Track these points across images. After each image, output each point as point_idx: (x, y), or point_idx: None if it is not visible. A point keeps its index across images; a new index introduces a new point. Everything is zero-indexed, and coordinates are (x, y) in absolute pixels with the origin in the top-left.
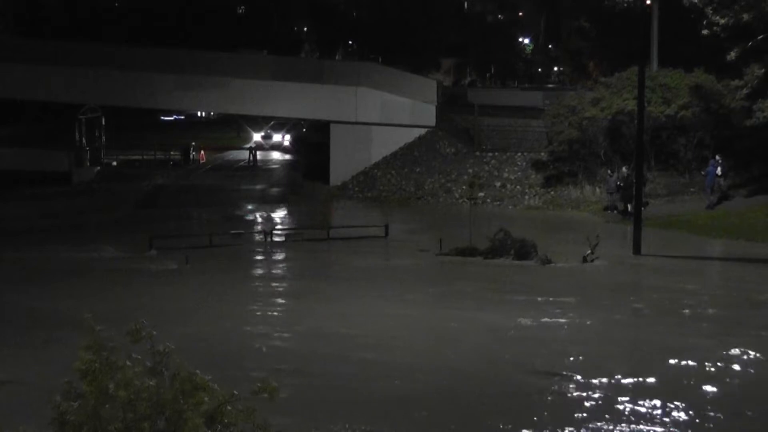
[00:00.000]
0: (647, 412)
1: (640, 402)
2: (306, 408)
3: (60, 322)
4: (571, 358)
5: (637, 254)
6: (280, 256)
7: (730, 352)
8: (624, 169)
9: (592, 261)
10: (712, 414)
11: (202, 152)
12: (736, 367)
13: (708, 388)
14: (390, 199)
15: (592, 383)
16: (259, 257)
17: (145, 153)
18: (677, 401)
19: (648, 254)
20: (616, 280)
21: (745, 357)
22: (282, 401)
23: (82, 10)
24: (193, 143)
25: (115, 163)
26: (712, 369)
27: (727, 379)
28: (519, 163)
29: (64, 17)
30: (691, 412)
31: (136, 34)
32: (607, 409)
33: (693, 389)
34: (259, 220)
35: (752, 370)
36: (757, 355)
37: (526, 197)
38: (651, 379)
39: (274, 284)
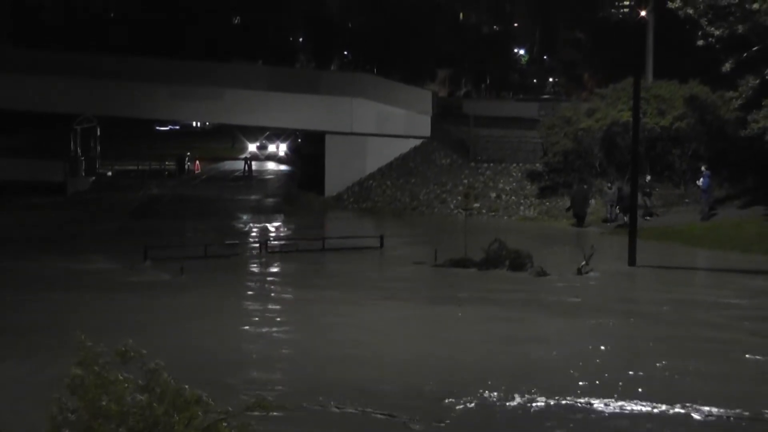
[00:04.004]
0: None
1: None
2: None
3: (48, 333)
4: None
5: (632, 266)
6: (274, 267)
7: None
8: (648, 177)
9: (587, 273)
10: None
11: (197, 162)
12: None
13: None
14: (385, 210)
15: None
16: (254, 268)
17: (140, 163)
18: None
19: (643, 265)
20: (606, 290)
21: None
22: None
23: (79, 20)
24: (188, 153)
25: (110, 174)
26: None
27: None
28: (514, 174)
29: (60, 28)
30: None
31: (131, 44)
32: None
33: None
34: (254, 230)
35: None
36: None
37: (521, 208)
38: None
39: (267, 295)
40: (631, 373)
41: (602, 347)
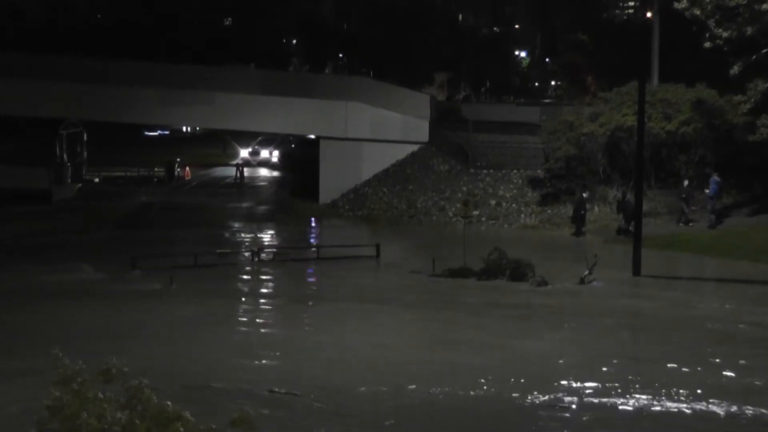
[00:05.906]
0: None
1: None
2: None
3: (33, 347)
4: None
5: (637, 275)
6: (266, 277)
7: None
8: (686, 182)
9: (589, 282)
10: None
11: (187, 169)
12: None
13: None
14: (381, 218)
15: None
16: (245, 277)
17: (128, 170)
18: None
19: (648, 275)
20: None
21: None
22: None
23: (65, 23)
24: (178, 159)
25: (97, 180)
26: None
27: None
28: (515, 181)
29: (45, 30)
30: None
31: (119, 47)
32: None
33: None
34: (246, 239)
35: None
36: None
37: (522, 216)
38: None
39: (259, 306)
40: (570, 377)
41: (568, 353)
